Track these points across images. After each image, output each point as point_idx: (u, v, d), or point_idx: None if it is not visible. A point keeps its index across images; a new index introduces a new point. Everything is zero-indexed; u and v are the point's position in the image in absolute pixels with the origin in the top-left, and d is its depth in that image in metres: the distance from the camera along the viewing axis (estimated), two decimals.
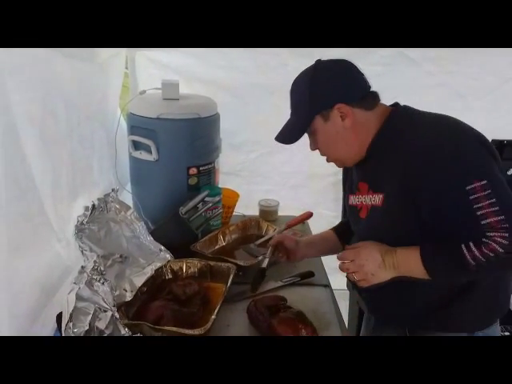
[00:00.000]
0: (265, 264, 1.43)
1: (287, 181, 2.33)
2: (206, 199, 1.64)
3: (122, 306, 1.18)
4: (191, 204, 1.60)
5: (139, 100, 1.74)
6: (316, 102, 1.13)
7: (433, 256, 1.01)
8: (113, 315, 1.01)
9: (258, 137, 2.24)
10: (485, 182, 0.94)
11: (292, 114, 1.22)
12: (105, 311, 1.01)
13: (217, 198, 1.67)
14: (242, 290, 1.40)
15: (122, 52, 1.93)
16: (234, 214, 1.94)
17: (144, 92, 1.78)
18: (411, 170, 1.02)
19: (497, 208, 0.92)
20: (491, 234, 0.92)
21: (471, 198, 0.94)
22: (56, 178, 1.20)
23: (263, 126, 2.20)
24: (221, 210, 1.75)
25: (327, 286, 1.46)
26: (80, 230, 1.16)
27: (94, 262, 1.10)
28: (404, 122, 1.10)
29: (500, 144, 1.93)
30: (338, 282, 1.91)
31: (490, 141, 1.06)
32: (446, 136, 1.02)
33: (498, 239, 0.91)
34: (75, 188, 1.34)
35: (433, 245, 1.02)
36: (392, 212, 1.08)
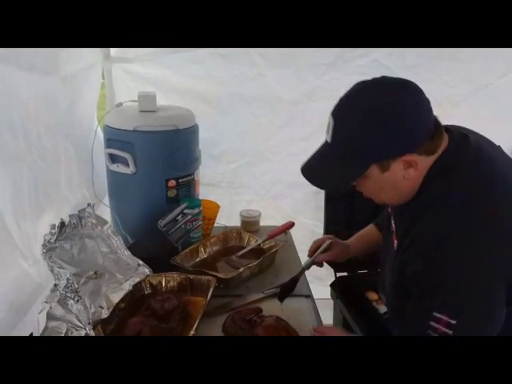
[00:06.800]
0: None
1: (268, 191, 2.32)
2: (186, 211, 1.62)
3: (99, 324, 1.14)
4: (170, 217, 1.57)
5: (115, 112, 1.71)
6: (377, 151, 0.90)
7: None
8: (86, 334, 0.98)
9: (237, 147, 2.23)
10: (454, 322, 0.85)
11: (333, 151, 0.96)
12: (78, 329, 0.98)
13: (196, 210, 1.65)
14: (224, 303, 1.37)
15: (98, 64, 1.91)
16: (215, 225, 1.92)
17: (120, 104, 1.76)
18: (413, 243, 0.95)
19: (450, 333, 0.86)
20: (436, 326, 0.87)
21: (430, 323, 0.87)
22: (17, 194, 1.17)
23: (242, 136, 2.21)
24: (201, 222, 1.73)
25: (309, 296, 1.44)
26: (49, 249, 1.11)
27: (67, 279, 1.06)
28: (445, 179, 0.93)
29: None
30: (322, 291, 1.90)
31: None
32: (462, 232, 0.87)
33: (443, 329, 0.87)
34: (39, 204, 1.30)
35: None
36: (394, 265, 1.04)
